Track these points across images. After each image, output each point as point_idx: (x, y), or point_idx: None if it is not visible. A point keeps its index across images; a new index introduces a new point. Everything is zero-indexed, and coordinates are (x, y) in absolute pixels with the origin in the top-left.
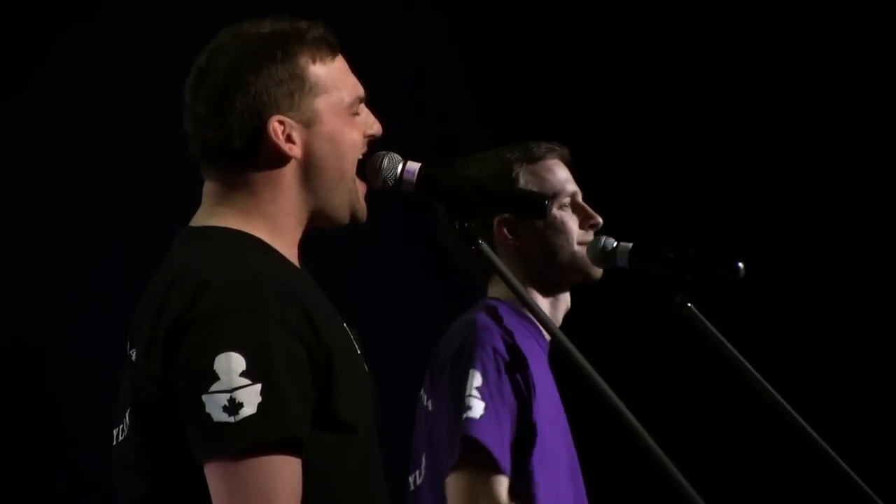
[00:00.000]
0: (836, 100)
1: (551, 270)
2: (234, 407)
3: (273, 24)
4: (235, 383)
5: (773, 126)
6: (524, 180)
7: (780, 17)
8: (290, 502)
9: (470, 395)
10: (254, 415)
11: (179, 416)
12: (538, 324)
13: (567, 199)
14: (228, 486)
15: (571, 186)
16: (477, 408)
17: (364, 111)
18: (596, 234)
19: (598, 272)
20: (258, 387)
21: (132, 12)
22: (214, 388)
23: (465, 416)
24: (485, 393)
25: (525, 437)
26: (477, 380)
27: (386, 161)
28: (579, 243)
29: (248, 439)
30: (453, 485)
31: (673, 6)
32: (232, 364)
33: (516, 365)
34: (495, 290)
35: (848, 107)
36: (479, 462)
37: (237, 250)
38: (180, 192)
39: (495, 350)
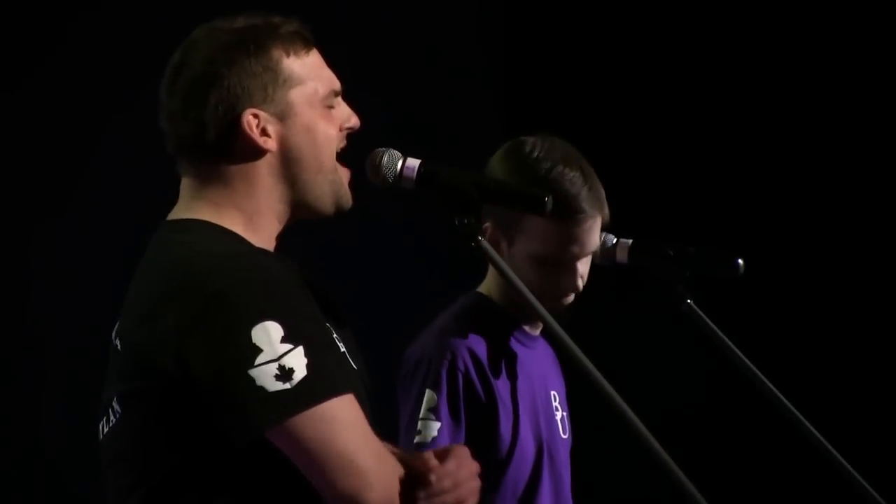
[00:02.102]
0: (837, 100)
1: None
2: (286, 373)
3: (246, 19)
4: (280, 350)
5: (773, 124)
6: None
7: (780, 16)
8: (365, 431)
9: (423, 419)
10: (307, 376)
11: (183, 403)
12: (526, 322)
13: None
14: (309, 447)
15: (588, 246)
16: (429, 430)
17: (340, 104)
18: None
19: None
20: (300, 349)
21: (122, 11)
22: (259, 360)
23: (416, 440)
24: (440, 412)
25: (487, 448)
26: (431, 400)
27: (385, 157)
28: (560, 294)
29: (309, 400)
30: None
31: (673, 4)
32: (271, 333)
33: (481, 376)
34: (486, 282)
35: (848, 107)
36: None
37: (219, 238)
38: (163, 192)
39: (454, 365)
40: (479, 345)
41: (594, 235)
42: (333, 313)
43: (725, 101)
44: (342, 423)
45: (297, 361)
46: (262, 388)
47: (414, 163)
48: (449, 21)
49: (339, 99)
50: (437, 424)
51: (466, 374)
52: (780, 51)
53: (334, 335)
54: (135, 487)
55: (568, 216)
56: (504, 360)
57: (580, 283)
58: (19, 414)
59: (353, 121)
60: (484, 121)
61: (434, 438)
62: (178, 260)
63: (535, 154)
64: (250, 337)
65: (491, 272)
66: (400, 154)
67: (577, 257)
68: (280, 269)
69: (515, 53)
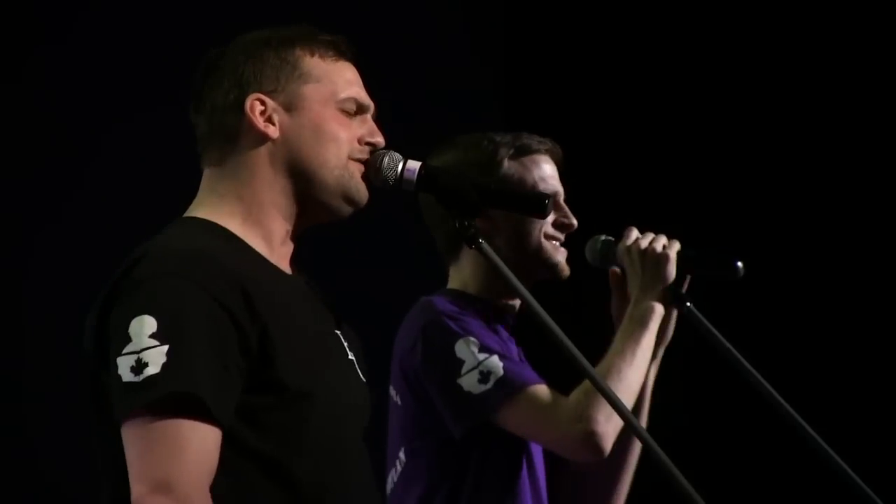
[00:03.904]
0: (837, 100)
1: (517, 258)
2: (139, 367)
3: (290, 26)
4: (144, 344)
5: (773, 126)
6: (507, 169)
7: (780, 16)
8: (197, 465)
9: (480, 363)
10: (157, 374)
11: (108, 388)
12: (506, 314)
13: None
14: (134, 444)
15: (554, 184)
16: (494, 366)
17: (368, 121)
18: (594, 234)
19: (565, 270)
20: (165, 348)
21: (135, 15)
22: (126, 349)
23: (486, 388)
24: (490, 347)
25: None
26: (466, 344)
27: (386, 160)
28: (547, 237)
29: (148, 396)
30: (524, 407)
31: (673, 4)
32: (143, 326)
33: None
34: (455, 279)
35: (848, 107)
36: (525, 389)
37: (191, 232)
38: (177, 194)
39: (454, 316)
40: (473, 318)
41: (555, 170)
42: (335, 321)
43: (725, 103)
44: (181, 441)
45: (156, 358)
46: (119, 377)
47: (414, 165)
48: (449, 23)
49: (367, 116)
50: (494, 357)
51: (471, 323)
52: (780, 51)
53: (345, 344)
54: (105, 484)
55: (536, 151)
56: (501, 339)
57: (573, 220)
58: (20, 414)
59: (378, 139)
60: (485, 124)
61: (505, 367)
62: (130, 256)
63: (470, 139)
64: (128, 326)
65: (462, 267)
66: (400, 156)
67: (557, 192)
68: (206, 270)
69: (515, 55)
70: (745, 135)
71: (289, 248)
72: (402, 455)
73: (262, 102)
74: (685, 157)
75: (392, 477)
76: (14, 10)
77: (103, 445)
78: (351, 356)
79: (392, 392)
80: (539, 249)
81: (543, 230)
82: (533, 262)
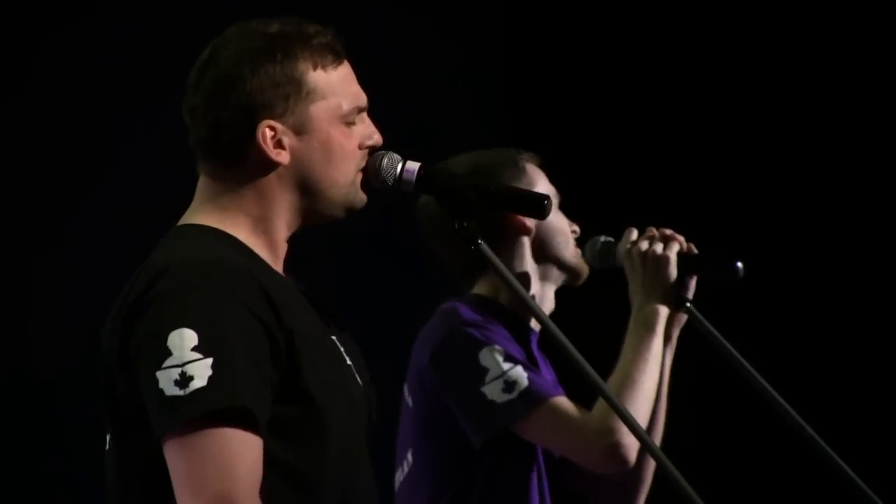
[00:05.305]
0: (837, 100)
1: (557, 270)
2: (184, 380)
3: (281, 25)
4: (187, 357)
5: (772, 126)
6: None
7: (780, 16)
8: (250, 476)
9: (505, 373)
10: (203, 387)
11: (138, 400)
12: (528, 322)
13: None
14: (184, 459)
15: (552, 193)
16: (518, 376)
17: (364, 120)
18: (594, 235)
19: (585, 271)
20: (209, 360)
21: (137, 13)
22: (167, 363)
23: (509, 397)
24: (514, 357)
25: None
26: (491, 353)
27: (385, 161)
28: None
29: (198, 409)
30: (549, 418)
31: (672, 6)
32: (184, 339)
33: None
34: (483, 285)
35: (848, 107)
36: (549, 400)
37: (206, 242)
38: (177, 196)
39: (481, 326)
40: (498, 327)
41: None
42: (336, 324)
43: (725, 104)
44: (233, 453)
45: (201, 371)
46: (161, 391)
47: (414, 166)
48: (448, 24)
49: (364, 115)
50: (519, 367)
51: (504, 334)
52: (780, 51)
53: (341, 349)
54: (121, 494)
55: (527, 164)
56: (527, 352)
57: (575, 226)
58: (23, 418)
59: (376, 138)
60: (485, 124)
61: (529, 378)
62: (154, 262)
63: (463, 162)
64: (166, 339)
65: (492, 275)
66: (400, 157)
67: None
68: (238, 282)
69: (514, 55)
70: (744, 135)
71: (284, 251)
72: (409, 457)
73: (273, 129)
74: (685, 157)
75: (399, 476)
76: (15, 9)
77: (125, 457)
78: (349, 361)
79: (406, 393)
80: (574, 262)
81: (571, 239)
82: (566, 272)
